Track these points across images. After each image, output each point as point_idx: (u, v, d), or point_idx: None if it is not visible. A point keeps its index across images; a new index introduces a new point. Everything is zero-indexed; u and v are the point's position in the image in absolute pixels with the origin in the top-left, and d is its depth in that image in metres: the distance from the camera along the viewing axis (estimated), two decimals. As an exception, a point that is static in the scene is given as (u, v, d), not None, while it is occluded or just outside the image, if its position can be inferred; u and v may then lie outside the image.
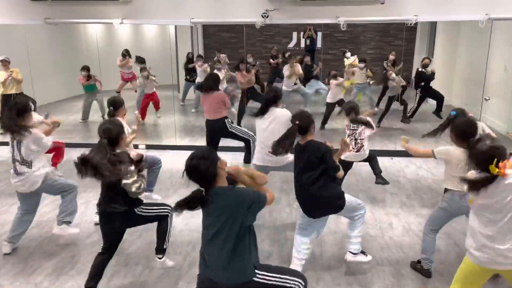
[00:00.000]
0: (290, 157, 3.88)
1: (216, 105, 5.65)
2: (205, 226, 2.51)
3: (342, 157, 4.83)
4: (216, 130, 5.77)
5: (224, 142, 6.07)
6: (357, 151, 4.98)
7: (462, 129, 3.32)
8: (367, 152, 5.07)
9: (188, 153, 2.51)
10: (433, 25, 10.04)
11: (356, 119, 4.89)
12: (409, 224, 4.65)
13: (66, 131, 7.81)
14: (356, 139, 4.98)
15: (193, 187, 2.49)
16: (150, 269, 3.79)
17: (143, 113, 8.64)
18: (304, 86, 9.24)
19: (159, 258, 3.54)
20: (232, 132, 5.77)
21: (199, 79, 9.32)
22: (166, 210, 3.50)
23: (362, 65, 8.85)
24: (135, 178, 3.13)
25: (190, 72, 9.73)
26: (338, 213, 3.55)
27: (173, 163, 6.41)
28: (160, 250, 3.53)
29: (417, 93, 8.38)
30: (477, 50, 8.05)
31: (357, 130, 4.97)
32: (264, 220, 4.71)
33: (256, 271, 2.48)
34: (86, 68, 8.54)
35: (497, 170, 2.43)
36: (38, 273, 3.75)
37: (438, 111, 8.58)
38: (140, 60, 8.90)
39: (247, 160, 5.88)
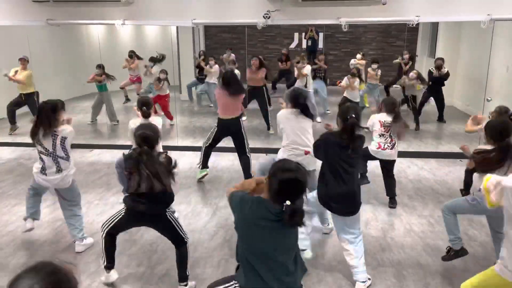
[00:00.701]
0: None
1: (236, 105, 5.54)
2: (274, 247, 2.25)
3: (378, 156, 4.95)
4: (232, 130, 5.59)
5: (224, 142, 5.97)
6: (391, 149, 4.88)
7: (497, 129, 3.32)
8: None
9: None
10: (434, 26, 10.06)
11: (398, 114, 4.81)
12: (410, 225, 4.64)
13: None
14: (391, 136, 4.86)
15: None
16: (152, 270, 3.79)
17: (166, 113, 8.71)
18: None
19: (184, 286, 3.45)
20: (242, 134, 5.59)
21: (209, 79, 9.37)
22: (187, 237, 3.46)
23: (375, 65, 8.89)
24: None
25: (201, 71, 9.72)
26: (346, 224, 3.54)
27: (174, 164, 6.38)
28: (184, 277, 3.45)
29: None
30: (479, 50, 8.05)
31: (391, 126, 4.83)
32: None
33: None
34: (101, 66, 8.36)
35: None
36: (39, 274, 3.75)
37: (440, 117, 8.64)
38: (157, 60, 8.90)
39: (248, 176, 5.53)
